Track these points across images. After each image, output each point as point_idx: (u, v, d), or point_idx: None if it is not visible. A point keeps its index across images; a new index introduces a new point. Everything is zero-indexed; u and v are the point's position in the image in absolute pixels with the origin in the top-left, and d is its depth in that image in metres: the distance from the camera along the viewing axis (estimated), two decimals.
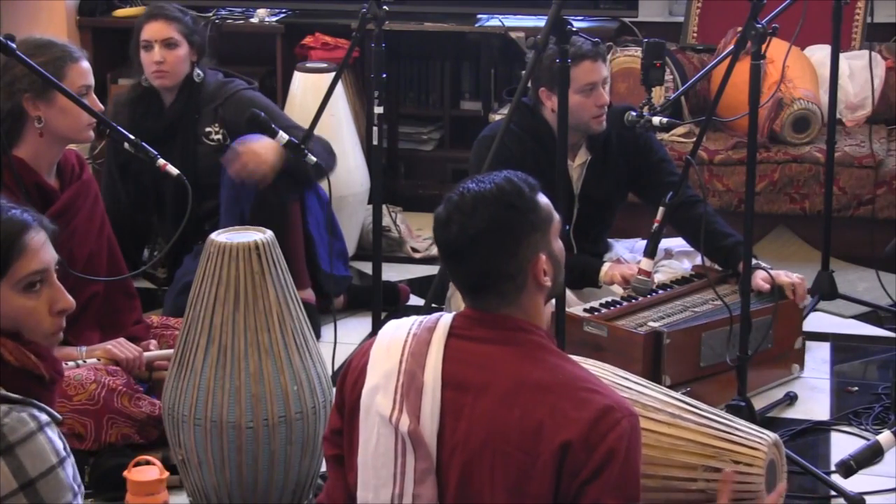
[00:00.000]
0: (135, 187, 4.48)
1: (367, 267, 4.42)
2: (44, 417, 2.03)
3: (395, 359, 2.26)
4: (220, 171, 4.25)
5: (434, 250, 5.20)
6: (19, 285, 2.16)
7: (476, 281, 2.25)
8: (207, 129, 4.38)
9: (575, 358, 2.66)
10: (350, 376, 2.33)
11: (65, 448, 2.07)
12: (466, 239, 2.21)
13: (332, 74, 4.02)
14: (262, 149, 4.13)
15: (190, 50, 4.39)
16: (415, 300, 4.70)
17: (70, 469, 2.06)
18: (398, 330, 2.31)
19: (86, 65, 3.55)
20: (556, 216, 2.31)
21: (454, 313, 2.31)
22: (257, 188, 4.18)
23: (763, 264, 3.95)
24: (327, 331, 4.26)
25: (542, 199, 2.29)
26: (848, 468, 2.50)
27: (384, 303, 4.26)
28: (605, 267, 4.10)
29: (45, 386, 2.17)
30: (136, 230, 4.55)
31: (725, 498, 2.55)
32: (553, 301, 3.21)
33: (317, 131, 3.97)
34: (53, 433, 2.04)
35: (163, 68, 4.34)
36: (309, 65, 5.27)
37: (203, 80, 4.43)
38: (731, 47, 3.55)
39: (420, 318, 2.32)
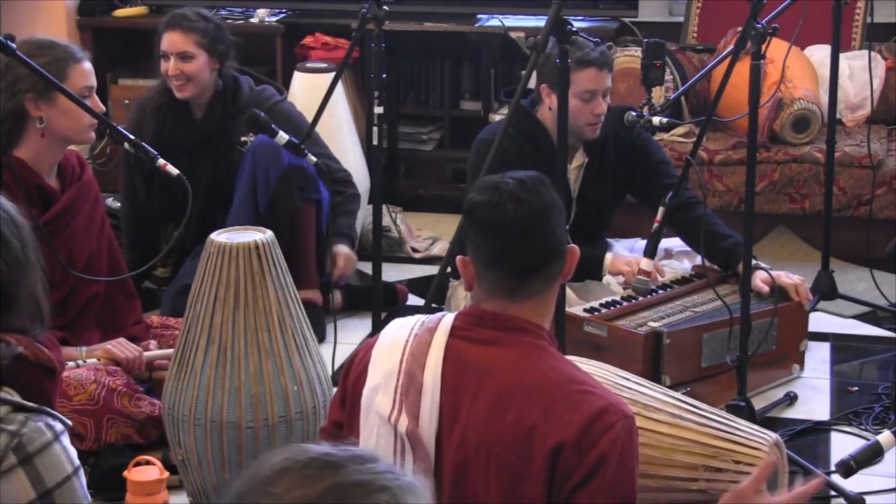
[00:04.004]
0: (163, 196, 4.44)
1: (367, 267, 4.41)
2: (58, 426, 2.03)
3: (395, 359, 2.26)
4: (239, 165, 4.26)
5: (434, 250, 5.20)
6: None
7: (536, 258, 2.22)
8: (243, 139, 4.36)
9: (575, 358, 2.67)
10: (353, 371, 2.33)
11: (77, 456, 2.08)
12: (538, 212, 2.21)
13: (332, 74, 4.02)
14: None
15: (209, 59, 4.33)
16: (415, 300, 4.70)
17: (83, 479, 2.07)
18: (400, 329, 2.30)
19: (88, 66, 3.55)
20: None
21: (456, 313, 2.30)
22: (274, 186, 4.20)
23: (763, 265, 3.95)
24: (328, 331, 4.26)
25: None
26: (848, 468, 2.49)
27: (382, 303, 4.29)
28: (609, 257, 4.09)
29: (54, 378, 2.19)
30: (157, 237, 4.53)
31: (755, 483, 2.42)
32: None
33: (317, 131, 3.98)
34: (67, 442, 2.04)
35: (179, 80, 4.31)
36: (309, 65, 5.27)
37: (237, 88, 4.40)
38: (731, 47, 3.55)
39: (423, 317, 2.31)
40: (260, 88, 4.49)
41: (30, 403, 2.04)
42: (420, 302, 4.53)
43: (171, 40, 4.32)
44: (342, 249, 4.39)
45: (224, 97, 4.39)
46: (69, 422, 2.09)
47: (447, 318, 2.28)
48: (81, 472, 2.05)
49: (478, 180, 2.35)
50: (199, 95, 4.38)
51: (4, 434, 1.96)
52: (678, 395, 3.07)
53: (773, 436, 2.93)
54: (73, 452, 2.05)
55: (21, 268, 2.10)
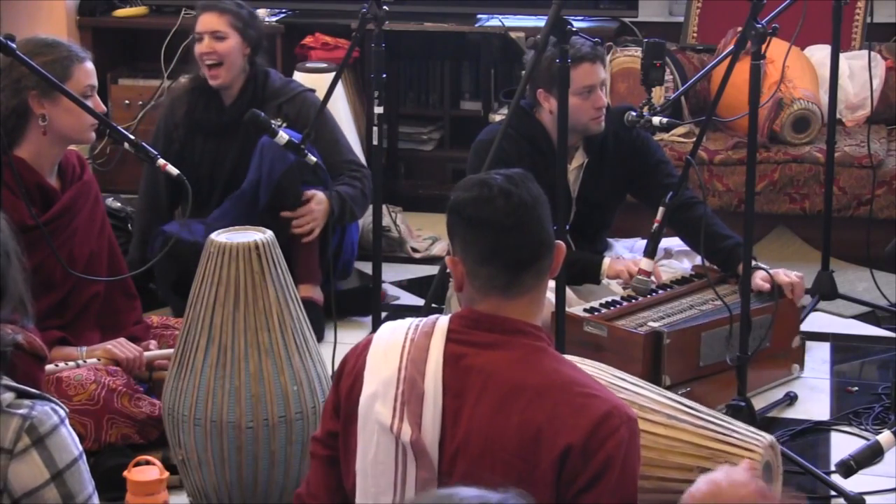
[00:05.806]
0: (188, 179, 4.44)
1: (367, 267, 4.42)
2: (61, 411, 2.10)
3: (393, 365, 2.22)
4: (251, 156, 4.29)
5: (434, 250, 5.20)
6: None
7: (529, 252, 2.21)
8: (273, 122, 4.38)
9: (573, 358, 2.66)
10: (346, 380, 2.28)
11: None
12: (528, 205, 2.20)
13: (332, 74, 4.02)
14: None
15: (241, 42, 4.39)
16: (415, 300, 4.71)
17: (86, 464, 2.13)
18: (394, 334, 2.26)
19: (90, 66, 3.57)
20: None
21: (450, 315, 2.26)
22: (279, 180, 4.23)
23: (762, 265, 3.95)
24: (327, 331, 4.26)
25: None
26: (848, 468, 2.50)
27: (360, 306, 4.39)
28: (607, 261, 4.10)
29: (42, 367, 2.24)
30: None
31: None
32: (551, 301, 3.24)
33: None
34: (69, 427, 2.11)
35: (211, 59, 4.36)
36: (309, 65, 5.27)
37: (267, 77, 4.46)
38: (731, 47, 3.56)
39: (416, 320, 2.28)
40: (288, 79, 4.58)
41: (31, 390, 2.10)
42: (420, 302, 4.53)
43: (204, 21, 4.41)
44: (318, 192, 4.34)
45: (255, 84, 4.45)
46: (66, 409, 2.15)
47: (442, 322, 2.25)
48: (84, 457, 2.12)
49: (462, 179, 2.34)
50: (230, 84, 4.42)
51: (17, 417, 2.03)
52: (674, 396, 3.07)
53: (767, 437, 2.93)
54: (76, 437, 2.12)
55: (8, 260, 2.15)
